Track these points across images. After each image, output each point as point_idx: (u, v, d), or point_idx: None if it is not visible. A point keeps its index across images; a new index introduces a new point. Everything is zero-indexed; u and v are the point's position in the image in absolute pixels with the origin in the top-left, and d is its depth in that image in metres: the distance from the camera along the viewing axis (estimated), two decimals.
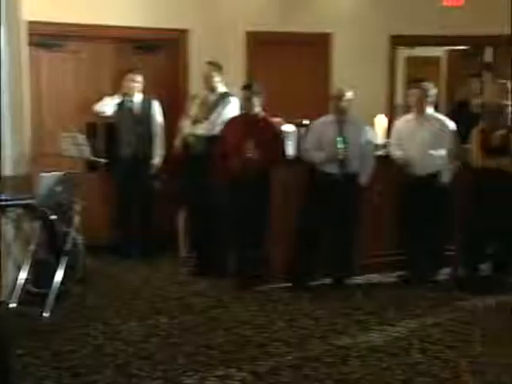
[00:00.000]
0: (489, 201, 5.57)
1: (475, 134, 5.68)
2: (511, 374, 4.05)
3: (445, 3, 8.03)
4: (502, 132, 5.57)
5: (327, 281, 5.94)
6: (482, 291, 5.64)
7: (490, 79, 7.86)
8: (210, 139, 6.04)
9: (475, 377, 4.01)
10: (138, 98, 6.77)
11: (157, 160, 6.74)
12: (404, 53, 9.69)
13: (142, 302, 5.40)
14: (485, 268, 5.94)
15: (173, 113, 6.90)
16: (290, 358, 4.30)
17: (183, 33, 7.31)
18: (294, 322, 4.96)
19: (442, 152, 5.91)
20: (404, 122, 6.15)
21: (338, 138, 5.65)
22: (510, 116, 5.55)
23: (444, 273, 6.12)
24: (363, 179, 5.80)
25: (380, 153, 6.19)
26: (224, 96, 6.19)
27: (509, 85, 5.92)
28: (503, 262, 6.01)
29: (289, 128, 6.13)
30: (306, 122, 6.14)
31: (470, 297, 5.54)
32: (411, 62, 10.38)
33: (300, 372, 4.08)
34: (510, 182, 5.56)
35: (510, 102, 5.66)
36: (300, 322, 4.96)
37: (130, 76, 6.71)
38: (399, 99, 8.85)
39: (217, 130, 6.03)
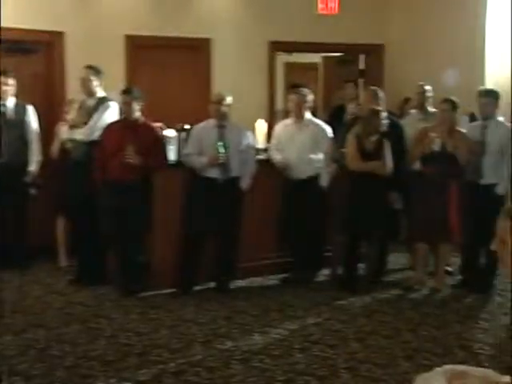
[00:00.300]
0: (362, 202, 5.77)
1: (350, 139, 5.87)
2: (384, 368, 4.23)
3: (321, 11, 8.28)
4: (375, 137, 5.80)
5: (211, 285, 5.95)
6: (361, 290, 5.83)
7: (363, 86, 8.18)
8: (89, 144, 5.90)
9: (351, 373, 4.15)
10: (10, 102, 6.48)
11: (33, 167, 6.49)
12: (283, 59, 9.91)
13: (19, 314, 5.19)
14: (363, 267, 6.15)
15: (48, 118, 6.69)
16: (172, 364, 4.27)
17: (59, 35, 7.10)
18: (177, 328, 4.94)
19: (320, 156, 6.09)
20: (283, 126, 6.28)
21: (218, 143, 5.68)
22: (382, 121, 5.78)
23: (324, 273, 6.29)
24: (244, 183, 5.86)
25: (261, 157, 6.29)
26: (103, 101, 6.06)
27: (380, 92, 6.19)
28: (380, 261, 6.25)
29: (170, 133, 6.09)
30: (186, 126, 6.13)
31: (349, 296, 5.72)
32: (290, 67, 10.63)
33: (182, 378, 4.07)
34: (382, 185, 5.80)
35: (382, 108, 5.90)
36: (183, 328, 4.95)
37: (1, 79, 6.42)
38: (279, 104, 9.03)
39: (96, 135, 5.89)
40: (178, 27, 7.59)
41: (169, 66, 7.70)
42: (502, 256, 2.45)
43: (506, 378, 2.52)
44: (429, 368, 2.75)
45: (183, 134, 6.08)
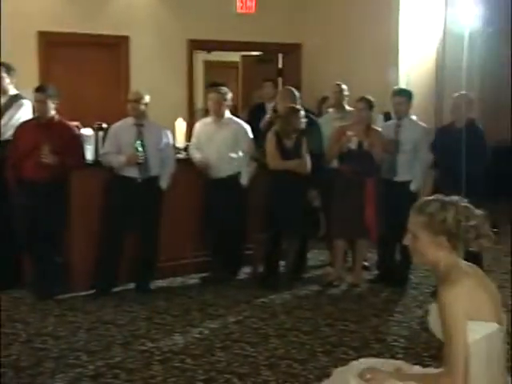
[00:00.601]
0: (282, 201, 5.83)
1: (270, 137, 5.92)
2: (304, 364, 4.29)
3: (239, 10, 8.31)
4: (294, 135, 5.86)
5: (131, 286, 5.87)
6: (281, 287, 5.89)
7: (281, 85, 8.26)
8: (1, 143, 5.71)
9: (272, 370, 4.19)
10: None
11: None
12: (202, 57, 9.89)
13: None
14: (283, 265, 6.21)
15: None
16: (91, 367, 4.20)
17: None
18: (96, 330, 4.85)
19: (240, 154, 6.11)
20: (203, 125, 6.27)
21: (136, 142, 5.62)
22: (301, 120, 5.85)
23: (245, 271, 6.32)
24: (164, 183, 5.82)
25: (180, 156, 6.26)
26: (15, 99, 5.89)
27: (296, 91, 6.27)
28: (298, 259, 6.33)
29: (87, 132, 5.98)
30: (104, 125, 6.02)
31: (270, 293, 5.76)
32: (210, 66, 10.63)
33: (101, 381, 4.00)
34: (301, 183, 5.87)
35: (299, 107, 5.97)
36: (102, 330, 4.87)
37: None
38: (199, 103, 9.02)
39: (8, 134, 5.71)
40: (95, 24, 7.47)
41: (85, 63, 7.55)
42: (413, 250, 2.54)
43: (417, 369, 2.61)
44: (346, 362, 2.83)
45: (101, 133, 5.97)
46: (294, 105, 5.98)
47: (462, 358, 2.33)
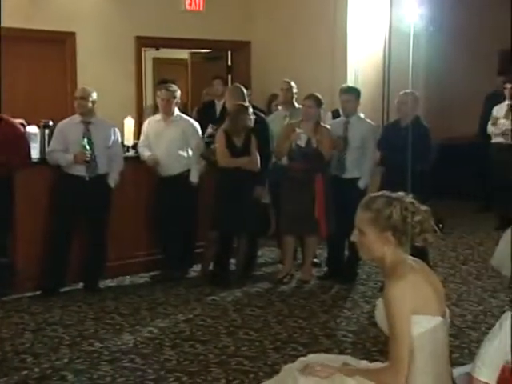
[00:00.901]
0: (232, 198, 5.83)
1: (219, 135, 5.91)
2: (254, 361, 4.30)
3: (188, 7, 8.27)
4: (243, 133, 5.86)
5: (79, 285, 5.79)
6: (232, 285, 5.89)
7: (230, 82, 8.26)
8: None
9: (222, 367, 4.18)
10: None
11: None
12: (151, 54, 9.81)
13: None
14: (234, 263, 6.21)
15: None
16: (37, 370, 4.12)
17: None
18: (42, 332, 4.77)
19: (190, 152, 6.08)
20: (152, 122, 6.22)
21: (84, 140, 5.53)
22: (249, 117, 5.85)
23: (195, 270, 6.30)
24: (112, 181, 5.75)
25: (130, 154, 6.19)
26: None
27: (244, 89, 6.27)
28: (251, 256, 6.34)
29: (32, 129, 5.86)
30: (50, 123, 5.91)
31: (220, 291, 5.75)
32: (159, 63, 10.54)
33: (47, 383, 3.94)
34: (250, 180, 5.88)
35: (247, 104, 5.96)
36: (48, 331, 4.78)
37: None
38: (149, 100, 8.94)
39: None
40: (41, 20, 7.31)
41: (31, 59, 7.39)
42: (361, 246, 2.57)
43: (365, 363, 2.65)
44: (296, 358, 2.84)
45: (47, 131, 5.86)
46: (242, 102, 5.98)
47: (406, 352, 2.37)
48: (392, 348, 2.40)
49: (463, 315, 5.20)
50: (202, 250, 6.24)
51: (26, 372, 4.08)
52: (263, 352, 4.45)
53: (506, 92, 8.18)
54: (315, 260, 6.48)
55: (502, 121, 8.14)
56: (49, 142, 5.76)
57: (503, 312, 2.36)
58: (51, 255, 5.61)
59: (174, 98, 6.06)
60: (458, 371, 2.61)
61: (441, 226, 2.74)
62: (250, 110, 5.90)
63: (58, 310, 5.24)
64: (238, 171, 5.81)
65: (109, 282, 5.95)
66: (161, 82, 7.31)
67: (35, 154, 5.76)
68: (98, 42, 7.68)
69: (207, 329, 4.89)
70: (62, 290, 5.68)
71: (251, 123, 5.88)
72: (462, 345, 4.58)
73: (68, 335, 4.71)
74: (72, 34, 7.58)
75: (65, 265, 5.67)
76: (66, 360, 4.28)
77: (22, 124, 5.80)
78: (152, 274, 6.13)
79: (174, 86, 6.17)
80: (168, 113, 6.06)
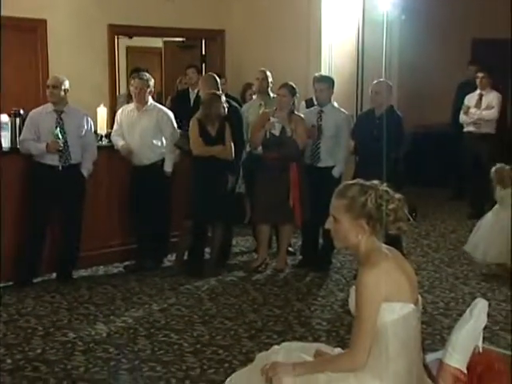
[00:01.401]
0: (206, 187, 5.81)
1: (193, 124, 5.88)
2: (228, 349, 4.30)
3: None
4: (217, 122, 5.83)
5: (52, 275, 5.74)
6: (206, 274, 5.88)
7: (205, 71, 8.22)
8: None
9: (197, 357, 4.18)
10: None
11: None
12: (125, 42, 9.71)
13: None
14: (208, 252, 6.20)
15: None
16: (9, 361, 4.09)
17: None
18: (15, 323, 4.73)
19: (164, 141, 6.05)
20: (125, 111, 6.17)
21: (56, 129, 5.48)
22: (222, 106, 5.82)
23: (169, 259, 6.28)
24: (85, 170, 5.70)
25: (103, 143, 6.14)
26: None
27: (217, 78, 6.24)
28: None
29: (3, 118, 5.78)
30: (21, 111, 5.83)
31: (195, 280, 5.74)
32: (133, 52, 10.45)
33: (20, 374, 3.91)
34: (224, 169, 5.87)
35: (220, 93, 5.94)
36: (21, 322, 4.74)
37: None
38: (122, 89, 8.86)
39: None
40: (11, 7, 7.15)
41: (1, 47, 7.26)
42: (335, 234, 2.58)
43: (338, 351, 2.66)
44: (270, 346, 2.85)
45: (18, 120, 5.78)
46: (215, 91, 5.95)
47: (368, 339, 2.40)
48: (355, 333, 2.43)
49: (435, 302, 5.26)
50: (177, 240, 6.22)
51: None
52: (238, 340, 4.46)
53: (478, 81, 8.25)
54: (290, 248, 6.50)
55: (473, 110, 8.21)
56: (20, 131, 5.69)
57: (474, 299, 2.39)
58: (25, 245, 5.55)
59: (148, 86, 6.02)
60: (430, 357, 2.64)
61: (414, 214, 2.76)
62: (223, 98, 5.87)
63: (31, 301, 5.19)
64: (212, 160, 5.79)
65: (82, 272, 5.91)
66: (134, 71, 7.24)
67: (6, 143, 5.69)
68: (70, 30, 7.58)
69: (182, 318, 4.88)
70: (35, 280, 5.62)
71: (224, 111, 5.85)
72: (434, 331, 4.63)
73: (41, 326, 4.68)
74: (43, 22, 7.46)
75: (38, 255, 5.62)
76: (39, 351, 4.25)
77: None
78: (126, 263, 6.10)
79: (147, 75, 6.12)
80: (141, 102, 6.02)
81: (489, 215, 6.00)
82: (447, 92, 9.08)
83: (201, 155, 5.84)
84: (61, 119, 5.57)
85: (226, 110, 5.87)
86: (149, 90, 6.04)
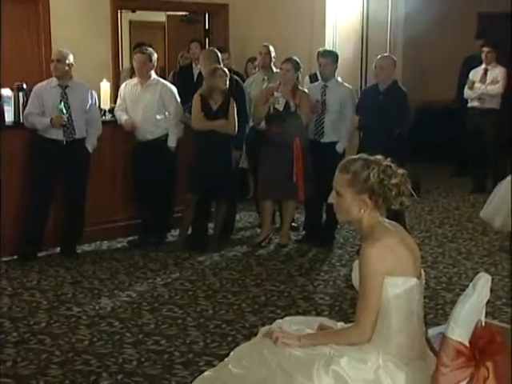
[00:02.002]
0: (209, 162, 5.80)
1: (195, 99, 5.85)
2: (232, 324, 4.33)
3: None
4: (219, 96, 5.80)
5: (57, 250, 5.76)
6: (210, 249, 5.90)
7: (208, 45, 8.16)
8: None
9: (200, 330, 4.21)
10: None
11: None
12: (128, 16, 9.66)
13: None
14: (212, 227, 6.21)
15: None
16: (14, 334, 4.12)
17: None
18: (20, 296, 4.76)
19: (167, 116, 6.03)
20: (129, 86, 6.14)
21: (60, 103, 5.46)
22: (224, 80, 5.76)
23: (173, 234, 6.30)
24: (90, 145, 5.70)
25: (106, 118, 6.13)
26: None
27: (219, 53, 6.19)
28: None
29: (6, 92, 5.76)
30: (24, 85, 5.81)
31: (198, 255, 5.76)
32: (136, 26, 10.39)
33: (25, 347, 3.94)
34: (227, 144, 5.86)
35: (222, 67, 5.88)
36: (26, 296, 4.78)
37: None
38: (126, 63, 8.81)
39: None
40: None
41: (3, 19, 7.21)
42: (338, 208, 2.58)
43: (341, 325, 2.68)
44: (273, 320, 2.87)
45: (21, 94, 5.76)
46: (216, 65, 5.91)
47: (374, 311, 2.41)
48: (360, 307, 2.45)
49: (438, 277, 5.28)
50: (180, 215, 6.23)
51: (3, 336, 4.08)
52: (241, 315, 4.49)
53: (483, 56, 8.18)
54: (293, 224, 6.51)
55: (477, 85, 8.15)
56: (23, 106, 5.67)
57: (477, 273, 2.40)
58: (29, 220, 5.57)
59: (149, 61, 5.97)
60: (432, 331, 2.65)
61: (417, 189, 2.76)
62: (224, 72, 5.81)
63: (36, 275, 5.22)
64: (214, 135, 5.77)
65: (86, 247, 5.93)
66: (137, 46, 7.19)
67: (9, 117, 5.68)
68: (73, 3, 7.51)
69: (185, 293, 4.91)
70: (39, 254, 5.65)
71: (225, 86, 5.80)
72: (437, 306, 4.65)
73: (46, 300, 4.71)
74: None
75: (42, 230, 5.64)
76: (43, 324, 4.28)
77: None
78: (130, 238, 6.11)
79: (148, 49, 6.07)
80: (144, 76, 5.99)
81: (504, 182, 5.86)
82: (452, 67, 9.01)
83: (201, 130, 5.82)
84: (65, 94, 5.55)
85: (229, 84, 5.83)
86: (151, 64, 6.00)
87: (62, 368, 3.70)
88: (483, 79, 8.14)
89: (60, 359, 3.81)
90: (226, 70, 5.89)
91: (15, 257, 5.54)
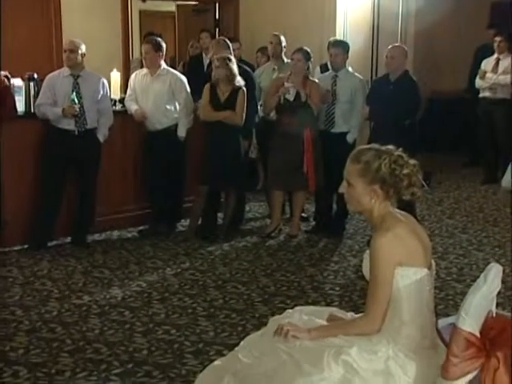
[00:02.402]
0: (218, 152, 5.79)
1: (205, 89, 5.84)
2: (242, 313, 4.34)
3: None
4: (228, 86, 5.78)
5: (67, 239, 5.79)
6: (220, 239, 5.91)
7: (218, 35, 8.13)
8: None
9: (210, 320, 4.23)
10: None
11: None
12: (138, 6, 9.63)
13: None
14: (222, 217, 6.21)
15: None
16: (26, 322, 4.15)
17: None
18: (31, 285, 4.79)
19: (177, 106, 6.03)
20: (138, 76, 6.14)
21: (72, 93, 5.47)
22: (233, 71, 5.74)
23: (183, 224, 6.31)
24: (102, 135, 5.70)
25: (116, 108, 6.13)
26: None
27: (229, 42, 6.17)
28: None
29: (17, 82, 5.77)
30: (35, 75, 5.82)
31: (208, 245, 5.77)
32: (146, 15, 10.36)
33: (37, 335, 3.97)
34: (236, 134, 5.86)
35: (232, 57, 5.86)
36: (37, 285, 4.81)
37: None
38: (136, 53, 8.81)
39: None
40: None
41: (14, 11, 7.22)
42: (349, 198, 2.58)
43: (351, 315, 2.67)
44: (283, 310, 2.87)
45: (32, 83, 5.77)
46: (225, 54, 5.89)
47: (385, 301, 2.41)
48: (371, 296, 2.44)
49: (449, 268, 5.27)
50: (191, 205, 6.24)
51: (15, 324, 4.11)
52: (251, 305, 4.50)
53: (495, 45, 8.11)
54: (303, 214, 6.50)
55: (489, 75, 8.09)
56: (34, 95, 5.69)
57: (488, 264, 2.39)
58: (40, 210, 5.59)
59: (157, 51, 5.95)
60: (442, 322, 2.64)
61: (428, 180, 2.75)
62: (234, 61, 5.77)
63: (47, 264, 5.25)
64: (223, 125, 5.76)
65: (97, 237, 5.95)
66: (147, 35, 7.19)
67: (20, 107, 5.69)
68: None
69: (195, 282, 4.92)
70: (50, 244, 5.67)
71: (235, 77, 5.75)
72: (448, 297, 4.64)
73: (57, 289, 4.73)
74: None
75: (53, 219, 5.66)
76: (55, 313, 4.31)
77: (7, 76, 5.70)
78: (140, 228, 6.13)
79: (156, 39, 6.06)
80: (153, 66, 5.98)
81: None
82: (463, 57, 8.95)
83: (207, 120, 5.82)
84: (77, 84, 5.55)
85: (239, 74, 5.80)
86: (161, 54, 5.99)
87: (72, 356, 3.73)
88: (495, 69, 8.08)
89: (71, 348, 3.83)
90: (233, 58, 5.85)
91: (26, 246, 5.57)
